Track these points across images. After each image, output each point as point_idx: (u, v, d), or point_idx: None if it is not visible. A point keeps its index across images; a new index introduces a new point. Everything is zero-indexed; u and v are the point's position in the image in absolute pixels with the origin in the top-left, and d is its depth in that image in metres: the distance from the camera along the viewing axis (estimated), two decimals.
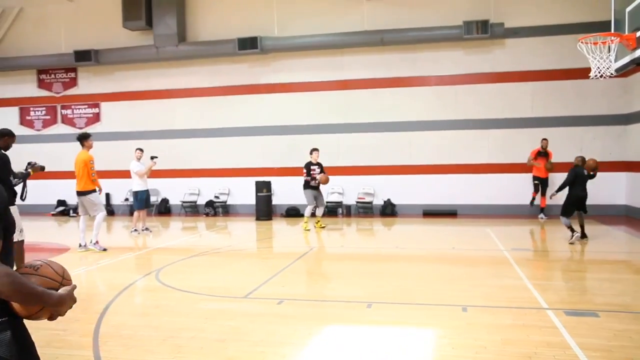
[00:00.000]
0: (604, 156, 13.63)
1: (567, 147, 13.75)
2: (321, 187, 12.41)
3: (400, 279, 7.15)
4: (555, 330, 4.87)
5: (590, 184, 9.81)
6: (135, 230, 11.75)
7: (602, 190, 13.59)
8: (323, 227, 12.45)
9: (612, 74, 7.26)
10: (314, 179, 12.12)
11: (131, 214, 13.68)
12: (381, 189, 15.23)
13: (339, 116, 15.47)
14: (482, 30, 13.73)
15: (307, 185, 12.22)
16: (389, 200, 15.05)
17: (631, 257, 8.87)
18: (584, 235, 9.90)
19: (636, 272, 7.64)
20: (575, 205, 9.86)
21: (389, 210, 14.92)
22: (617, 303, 5.78)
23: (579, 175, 9.74)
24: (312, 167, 12.22)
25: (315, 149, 12.41)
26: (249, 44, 14.99)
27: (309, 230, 12.10)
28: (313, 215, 12.58)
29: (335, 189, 15.38)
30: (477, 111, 14.66)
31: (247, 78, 16.01)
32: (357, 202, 15.23)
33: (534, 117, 14.23)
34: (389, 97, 15.16)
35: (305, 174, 12.17)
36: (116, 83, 17.03)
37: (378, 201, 15.22)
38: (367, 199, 15.20)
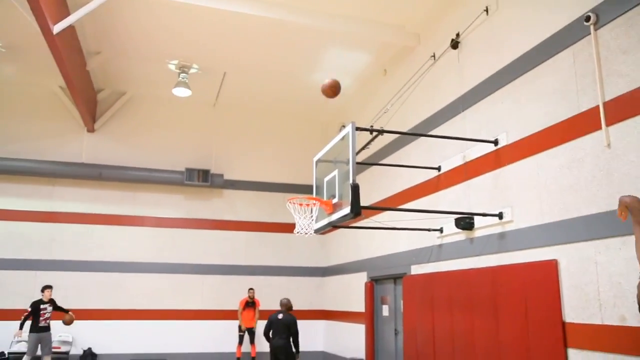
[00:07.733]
0: (305, 305, 14.89)
1: (274, 295, 14.56)
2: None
3: None
4: None
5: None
6: None
7: (302, 337, 14.54)
8: None
9: (312, 233, 8.12)
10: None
11: None
12: (81, 336, 13.51)
13: (38, 251, 13.71)
14: (203, 179, 14.38)
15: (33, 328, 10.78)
16: (89, 349, 13.39)
17: None
18: None
19: None
20: (274, 356, 9.20)
21: None
22: None
23: (273, 321, 9.21)
24: (41, 306, 10.96)
25: (47, 287, 11.19)
26: None
27: None
28: None
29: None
30: (194, 256, 14.71)
31: None
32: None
33: (246, 265, 14.89)
34: (101, 234, 14.20)
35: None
36: None
37: (77, 351, 13.41)
38: (63, 349, 13.21)
